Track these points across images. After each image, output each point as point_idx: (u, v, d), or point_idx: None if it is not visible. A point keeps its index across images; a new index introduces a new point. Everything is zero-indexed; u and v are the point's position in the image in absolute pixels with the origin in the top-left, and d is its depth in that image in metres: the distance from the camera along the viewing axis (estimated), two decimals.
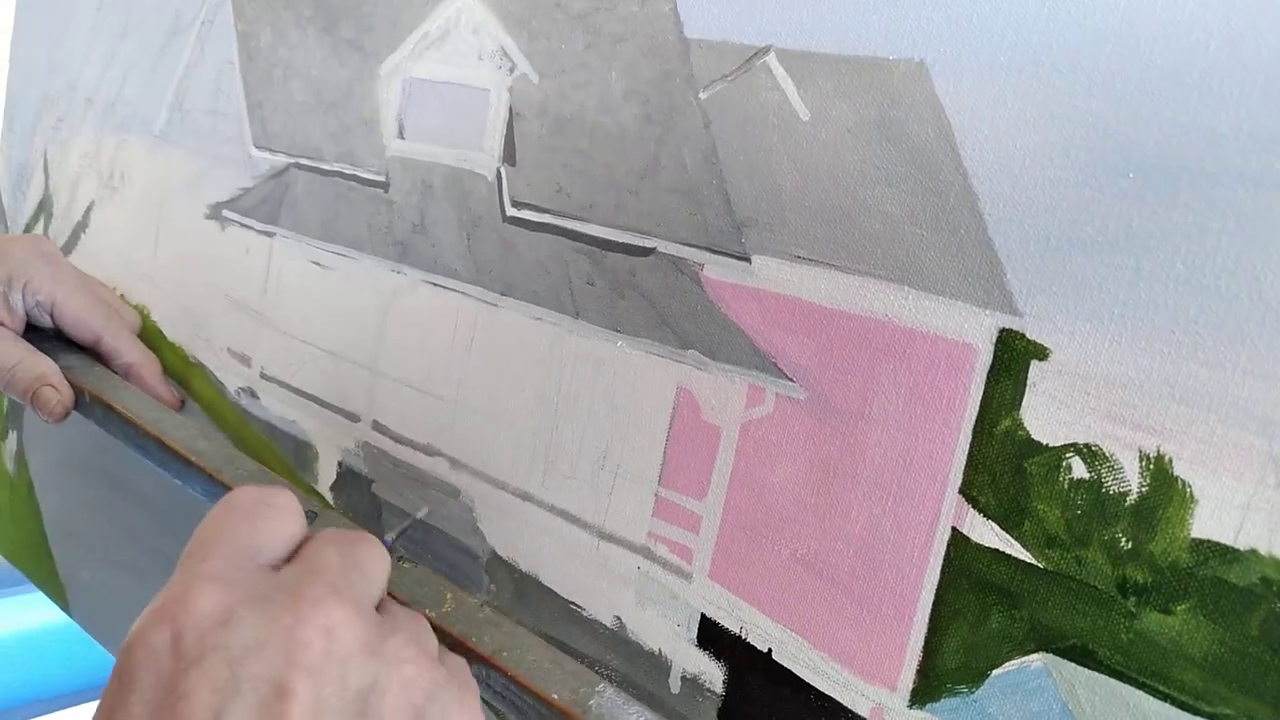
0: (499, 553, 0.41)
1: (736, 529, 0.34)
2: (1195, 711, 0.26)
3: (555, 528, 0.39)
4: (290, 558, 0.30)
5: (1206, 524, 0.26)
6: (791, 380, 0.33)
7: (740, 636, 0.34)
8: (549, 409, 0.40)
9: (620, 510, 0.37)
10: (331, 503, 0.48)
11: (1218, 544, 0.25)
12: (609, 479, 0.38)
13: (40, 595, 0.73)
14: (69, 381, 0.53)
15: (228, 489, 0.44)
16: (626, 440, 0.37)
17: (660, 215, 0.36)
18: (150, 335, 0.59)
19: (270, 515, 0.30)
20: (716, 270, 0.35)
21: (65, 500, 0.68)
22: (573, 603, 0.39)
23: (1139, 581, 0.27)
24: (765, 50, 0.34)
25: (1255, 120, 0.25)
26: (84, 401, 0.53)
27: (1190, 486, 0.26)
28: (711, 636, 0.35)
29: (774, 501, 0.33)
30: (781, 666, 0.33)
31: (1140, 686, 0.27)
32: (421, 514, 0.45)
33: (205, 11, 0.57)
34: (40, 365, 0.53)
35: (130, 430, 0.50)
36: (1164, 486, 0.26)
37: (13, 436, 0.73)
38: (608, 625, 0.38)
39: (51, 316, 0.56)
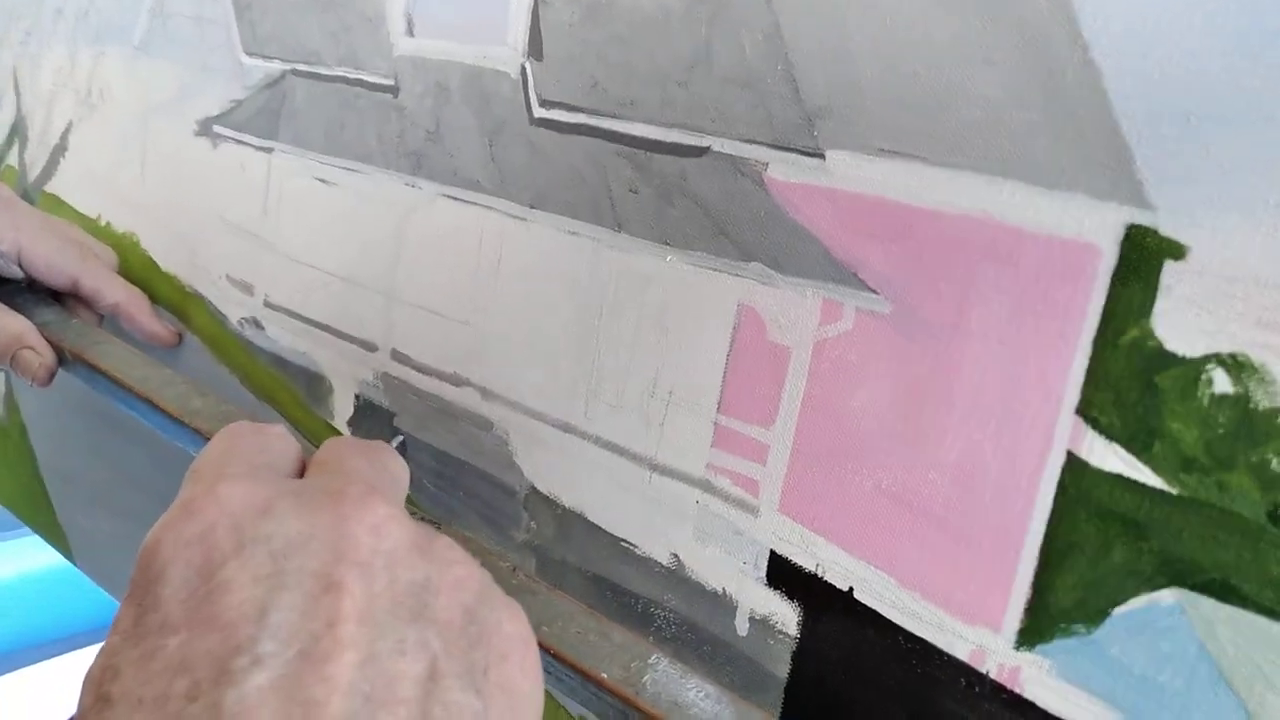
0: (538, 488, 0.38)
1: (810, 459, 0.31)
2: None
3: (601, 461, 0.36)
4: (299, 477, 0.28)
5: None
6: (874, 292, 0.29)
7: (816, 574, 0.31)
8: (590, 333, 0.36)
9: (674, 441, 0.34)
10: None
11: None
12: (660, 407, 0.34)
13: (37, 538, 0.70)
14: (47, 340, 0.49)
15: None
16: (680, 365, 0.34)
17: (715, 109, 0.32)
18: (141, 266, 0.55)
19: (271, 437, 0.28)
20: (783, 169, 0.31)
21: (61, 444, 0.64)
22: (623, 540, 0.36)
23: None
24: None
25: None
26: (66, 360, 0.49)
27: None
28: (783, 574, 0.32)
29: (854, 428, 0.30)
30: (865, 606, 0.30)
31: None
32: (395, 443, 0.42)
33: None
34: (14, 325, 0.49)
35: (118, 389, 0.46)
36: None
37: (0, 378, 0.69)
38: (663, 564, 0.35)
39: (20, 265, 0.52)
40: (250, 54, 0.48)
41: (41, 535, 0.66)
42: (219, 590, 0.22)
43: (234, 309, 0.50)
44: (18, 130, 0.65)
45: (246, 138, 0.49)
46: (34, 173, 0.63)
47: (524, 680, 0.25)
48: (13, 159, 0.65)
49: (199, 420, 0.42)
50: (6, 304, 0.50)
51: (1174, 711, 0.25)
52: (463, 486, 0.41)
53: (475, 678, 0.23)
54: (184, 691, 0.20)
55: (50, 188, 0.62)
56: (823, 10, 0.30)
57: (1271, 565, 0.24)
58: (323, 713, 0.20)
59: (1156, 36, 0.24)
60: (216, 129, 0.50)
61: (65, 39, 0.60)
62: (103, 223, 0.57)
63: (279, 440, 0.29)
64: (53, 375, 0.50)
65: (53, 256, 0.51)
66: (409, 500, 0.39)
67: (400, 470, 0.30)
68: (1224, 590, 0.24)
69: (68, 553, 0.64)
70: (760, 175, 0.31)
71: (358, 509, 0.24)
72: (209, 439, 0.41)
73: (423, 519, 0.36)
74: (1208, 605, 0.25)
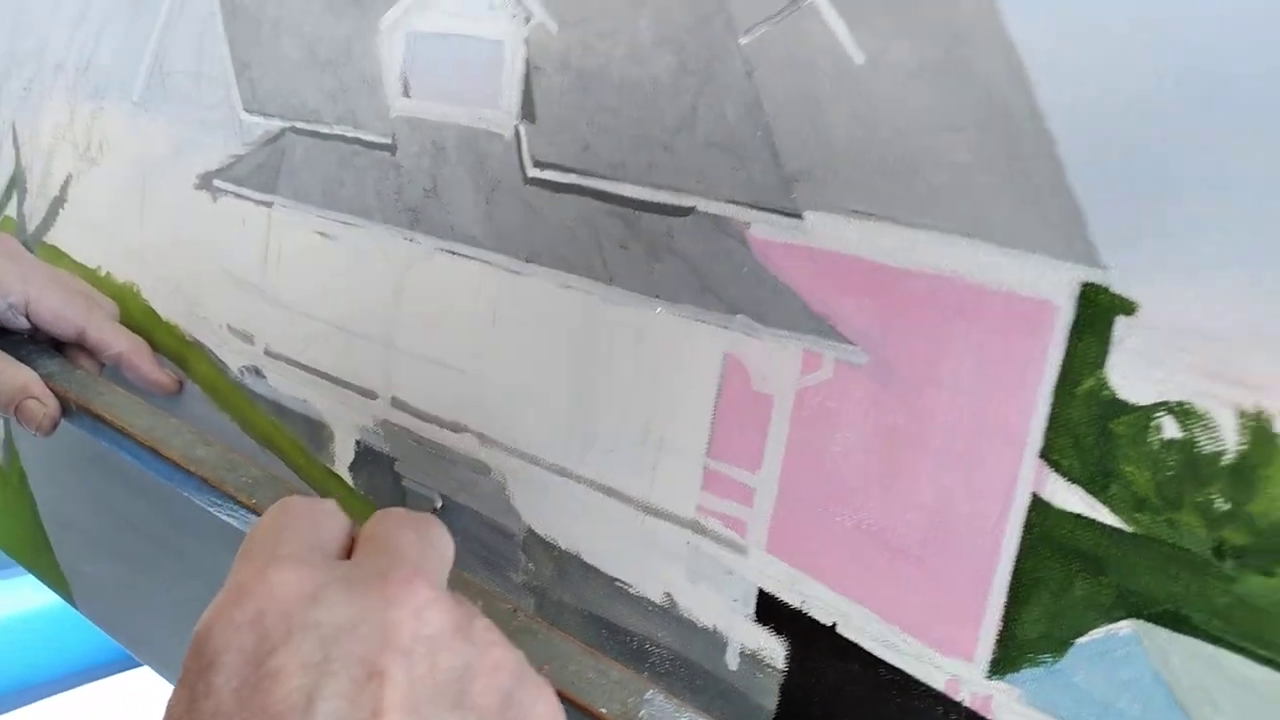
0: (536, 531, 0.40)
1: (794, 501, 0.33)
2: None
3: (596, 504, 0.38)
4: (348, 553, 0.28)
5: None
6: (852, 344, 0.31)
7: (802, 611, 0.33)
8: (584, 381, 0.38)
9: (666, 484, 0.36)
10: (351, 484, 0.46)
11: None
12: (653, 452, 0.36)
13: (31, 578, 0.70)
14: (52, 390, 0.51)
15: (230, 497, 0.42)
16: (671, 412, 0.36)
17: (699, 172, 0.34)
18: (141, 316, 0.56)
19: (323, 514, 0.29)
20: (764, 229, 0.33)
21: (61, 490, 0.65)
22: (618, 580, 0.37)
23: (1237, 544, 0.26)
24: None
25: None
26: (70, 409, 0.51)
27: None
28: (771, 611, 0.34)
29: (835, 471, 0.32)
30: (848, 640, 0.32)
31: (1240, 651, 0.26)
32: (439, 504, 0.43)
33: None
34: (20, 375, 0.50)
35: (123, 439, 0.47)
36: (1265, 444, 0.25)
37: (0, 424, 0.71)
38: (657, 602, 0.36)
39: (27, 316, 0.53)
40: (250, 111, 0.50)
41: (43, 580, 0.67)
42: (269, 679, 0.23)
43: (234, 357, 0.52)
44: (16, 182, 0.66)
45: (246, 192, 0.50)
46: (33, 224, 0.65)
47: None
48: (11, 210, 0.67)
49: (204, 469, 0.44)
50: (10, 354, 0.52)
51: None
52: (461, 530, 0.42)
53: None
54: None
55: (49, 238, 0.63)
56: (800, 82, 0.32)
57: (1217, 596, 0.26)
58: None
59: (1106, 108, 0.27)
60: (216, 183, 0.52)
61: (66, 93, 0.62)
62: (103, 273, 0.59)
63: (330, 517, 0.29)
64: (56, 425, 0.51)
65: (60, 308, 0.52)
66: (471, 580, 0.40)
67: (446, 546, 0.30)
68: (1176, 620, 0.26)
69: (69, 597, 0.65)
70: (743, 234, 0.33)
71: (402, 592, 0.25)
72: (214, 487, 0.43)
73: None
74: (1162, 635, 0.27)
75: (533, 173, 0.39)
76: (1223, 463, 0.26)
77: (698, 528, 0.35)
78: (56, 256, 0.62)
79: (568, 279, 0.38)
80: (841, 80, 0.31)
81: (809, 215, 0.32)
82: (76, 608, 0.65)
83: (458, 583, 0.36)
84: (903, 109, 0.30)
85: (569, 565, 0.39)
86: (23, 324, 0.53)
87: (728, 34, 0.33)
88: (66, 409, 0.51)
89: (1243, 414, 0.25)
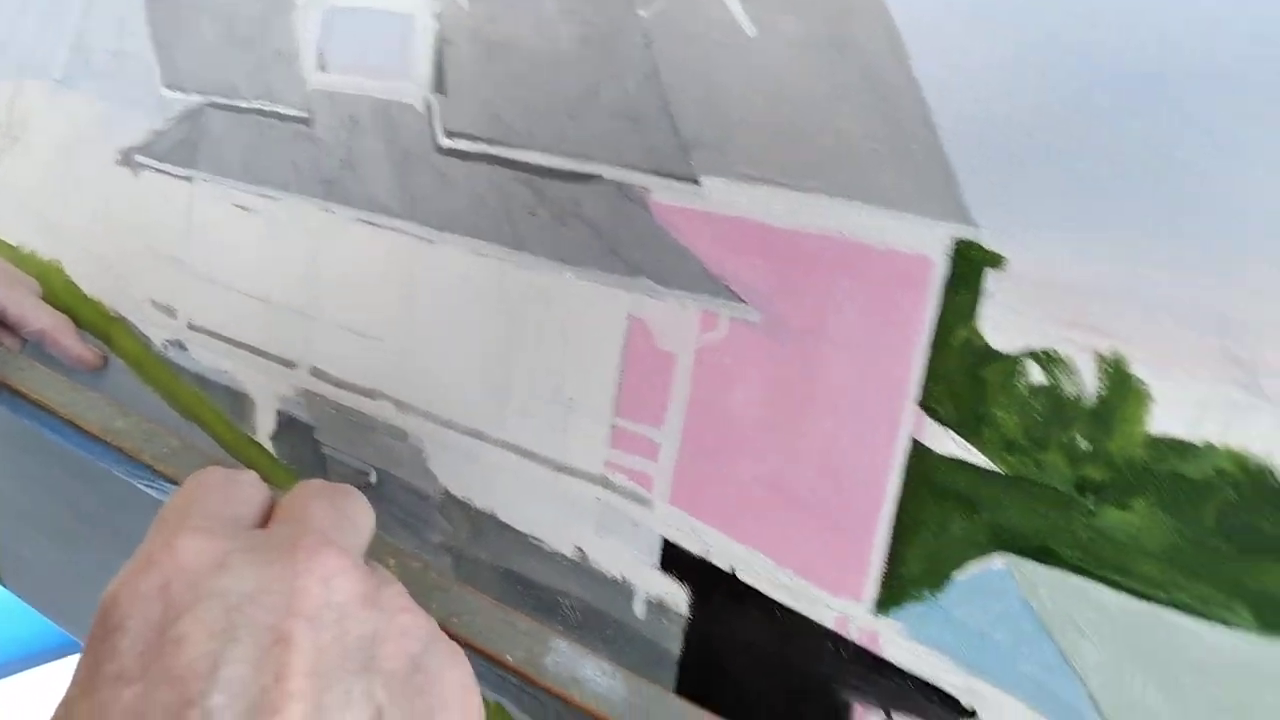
0: (452, 492, 0.41)
1: (696, 454, 0.34)
2: (1153, 600, 0.27)
3: (510, 464, 0.39)
4: (265, 523, 0.29)
5: (1163, 421, 0.26)
6: (745, 303, 0.33)
7: (703, 558, 0.34)
8: (496, 345, 0.39)
9: (576, 442, 0.37)
10: (273, 453, 0.47)
11: (1174, 439, 0.26)
12: (563, 412, 0.37)
13: None
14: None
15: (149, 467, 0.42)
16: (580, 372, 0.37)
17: (603, 140, 0.35)
18: (65, 293, 0.56)
19: (239, 485, 0.29)
20: (664, 194, 0.34)
21: None
22: (532, 537, 0.39)
23: (1097, 480, 0.27)
24: None
25: (1218, 25, 0.25)
26: None
27: (1147, 385, 0.26)
28: (675, 560, 0.35)
29: (733, 425, 0.33)
30: (746, 585, 0.34)
31: (1100, 580, 0.28)
32: (370, 478, 0.44)
33: None
34: None
35: (42, 414, 0.47)
36: (1121, 387, 0.27)
37: None
38: (569, 556, 0.38)
39: None
40: (170, 87, 0.50)
41: None
42: (173, 644, 0.23)
43: (157, 331, 0.52)
44: None
45: (167, 167, 0.51)
46: None
47: None
48: None
49: (122, 440, 0.44)
50: None
51: (1006, 662, 0.29)
52: (381, 494, 0.43)
53: None
54: None
55: None
56: (696, 54, 0.33)
57: (1079, 530, 0.28)
58: None
59: (977, 79, 0.28)
60: (137, 159, 0.52)
61: None
62: (26, 251, 0.59)
63: (246, 489, 0.29)
64: None
65: None
66: (383, 540, 0.40)
67: (364, 516, 0.30)
68: (1042, 553, 0.28)
69: None
70: (645, 199, 0.35)
71: (310, 560, 0.25)
72: (133, 458, 0.44)
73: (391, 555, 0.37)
74: (1030, 567, 0.29)
75: (444, 142, 0.40)
76: (1084, 404, 0.28)
77: (606, 483, 0.36)
78: None
79: (479, 246, 0.39)
80: (734, 52, 0.32)
81: (705, 180, 0.33)
82: (6, 586, 0.65)
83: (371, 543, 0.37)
84: (791, 79, 0.31)
85: (485, 524, 0.40)
86: None
87: (628, 7, 0.34)
88: None
89: (1101, 359, 0.27)
